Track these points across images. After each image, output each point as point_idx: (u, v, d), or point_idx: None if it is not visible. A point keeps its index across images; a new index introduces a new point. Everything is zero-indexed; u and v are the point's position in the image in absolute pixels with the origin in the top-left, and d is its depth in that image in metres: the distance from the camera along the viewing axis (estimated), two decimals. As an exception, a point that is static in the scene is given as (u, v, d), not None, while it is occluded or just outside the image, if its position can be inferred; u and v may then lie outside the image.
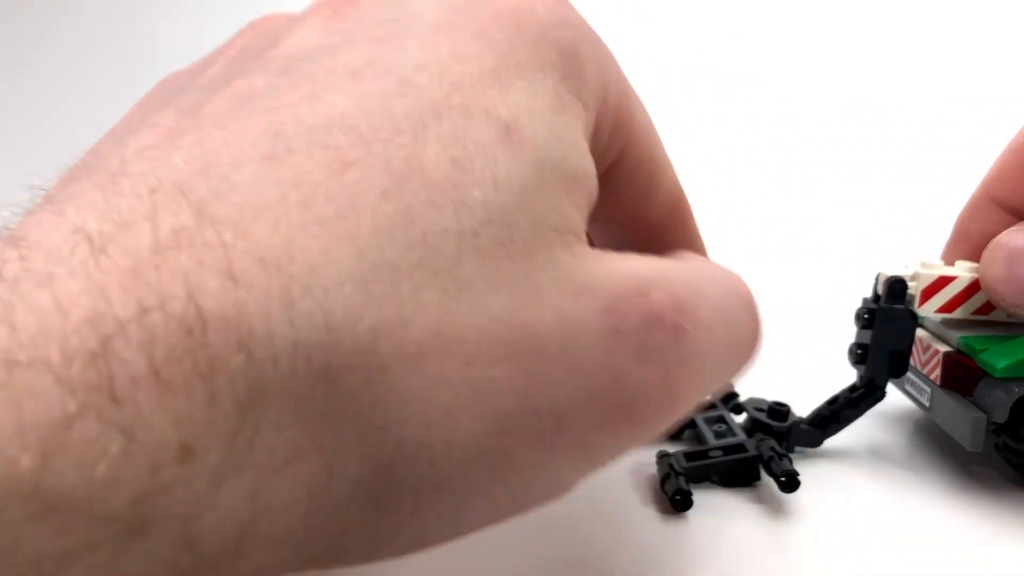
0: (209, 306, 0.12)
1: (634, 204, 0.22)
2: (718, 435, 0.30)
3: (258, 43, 0.18)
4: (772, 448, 0.28)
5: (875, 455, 0.31)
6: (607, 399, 0.15)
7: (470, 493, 0.14)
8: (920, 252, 0.31)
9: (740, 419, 0.32)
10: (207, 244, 0.13)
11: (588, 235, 0.22)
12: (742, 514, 0.27)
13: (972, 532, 0.26)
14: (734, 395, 0.33)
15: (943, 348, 0.29)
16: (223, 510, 0.12)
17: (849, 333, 0.30)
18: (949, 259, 0.32)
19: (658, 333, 0.15)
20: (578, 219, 0.16)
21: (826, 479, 0.29)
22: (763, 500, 0.27)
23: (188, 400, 0.12)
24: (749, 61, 0.69)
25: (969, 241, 0.31)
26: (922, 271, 0.29)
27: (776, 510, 0.27)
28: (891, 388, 0.31)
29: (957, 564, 0.24)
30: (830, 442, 0.30)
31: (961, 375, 0.29)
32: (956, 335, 0.29)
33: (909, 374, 0.31)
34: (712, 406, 0.33)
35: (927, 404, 0.30)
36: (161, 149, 0.14)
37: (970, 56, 0.65)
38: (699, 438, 0.31)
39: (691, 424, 0.32)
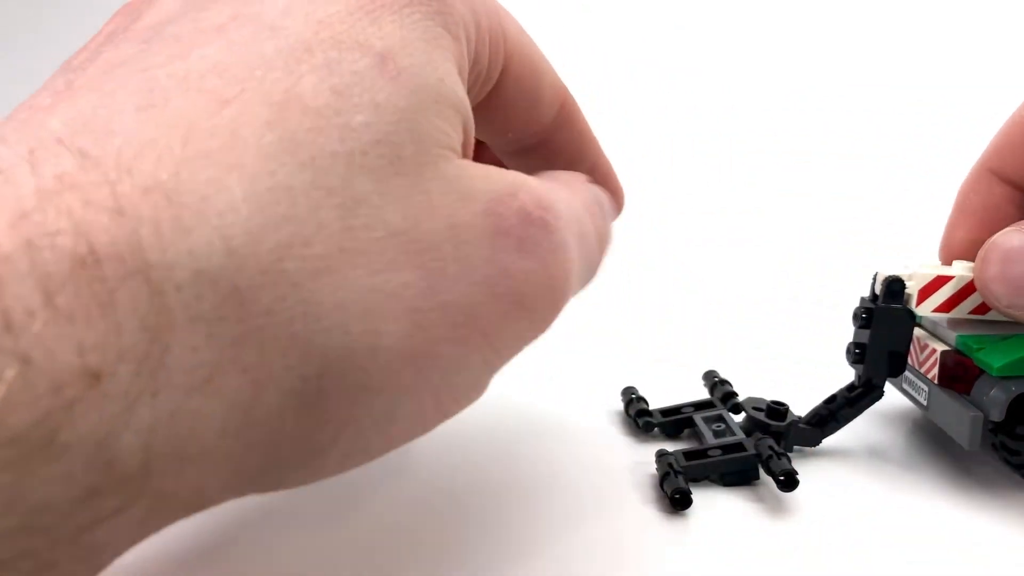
0: (101, 240, 0.12)
1: (525, 111, 0.23)
2: (717, 434, 0.30)
3: (124, 22, 0.19)
4: (771, 447, 0.28)
5: (873, 454, 0.31)
6: (501, 291, 0.17)
7: (399, 393, 0.15)
8: (918, 252, 0.31)
9: (739, 418, 0.32)
10: (91, 183, 0.13)
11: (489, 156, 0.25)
12: (741, 513, 0.27)
13: (970, 530, 0.26)
14: (733, 394, 0.33)
15: (940, 347, 0.29)
16: (141, 430, 0.13)
17: (847, 332, 0.30)
18: (952, 233, 0.32)
19: (531, 227, 0.17)
20: (456, 137, 0.17)
21: (824, 478, 0.29)
22: (762, 499, 0.27)
23: (88, 327, 0.12)
24: (751, 57, 0.69)
25: (971, 214, 0.31)
26: (919, 271, 0.29)
27: (775, 509, 0.27)
28: (889, 387, 0.31)
29: (955, 563, 0.24)
30: (828, 441, 0.31)
31: (958, 374, 0.29)
32: (953, 334, 0.29)
33: (907, 373, 0.31)
34: (711, 405, 0.33)
35: (925, 403, 0.30)
36: (37, 118, 0.15)
37: (969, 52, 0.65)
38: (698, 437, 0.31)
39: (690, 423, 0.32)
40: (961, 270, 0.29)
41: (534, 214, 0.17)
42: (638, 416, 0.32)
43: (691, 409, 0.33)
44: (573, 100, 0.25)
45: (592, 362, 0.39)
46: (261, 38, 0.15)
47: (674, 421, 0.32)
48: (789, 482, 0.27)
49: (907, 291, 0.29)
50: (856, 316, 0.30)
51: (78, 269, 0.12)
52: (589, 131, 0.26)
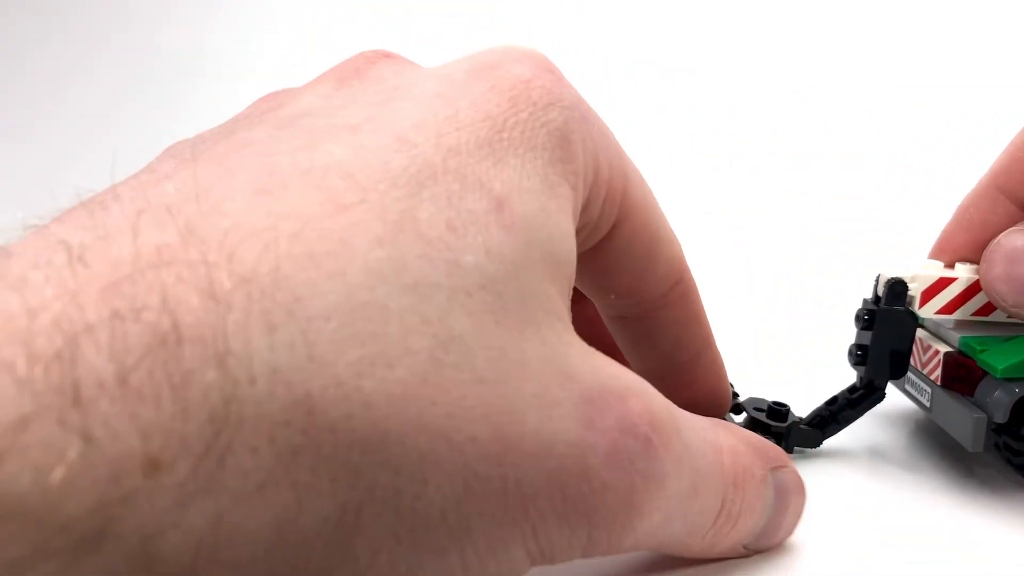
0: (186, 320, 0.12)
1: (632, 276, 0.22)
2: None
3: (263, 107, 0.18)
4: None
5: (875, 455, 0.31)
6: (571, 492, 0.15)
7: (427, 553, 0.14)
8: (920, 253, 0.31)
9: (739, 419, 0.32)
10: (190, 262, 0.12)
11: (587, 309, 0.23)
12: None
13: (972, 532, 0.26)
14: (734, 395, 0.33)
15: (944, 348, 0.29)
16: (186, 530, 0.12)
17: (849, 334, 0.30)
18: (945, 246, 0.31)
19: (631, 440, 0.16)
20: (562, 304, 0.16)
21: (825, 479, 0.29)
22: (763, 501, 0.27)
23: (157, 410, 0.11)
24: (751, 57, 0.69)
25: (969, 230, 0.31)
26: (922, 272, 0.29)
27: (776, 511, 0.27)
28: (891, 388, 0.31)
29: (957, 564, 0.24)
30: (829, 442, 0.31)
31: (962, 375, 0.29)
32: (957, 335, 0.29)
33: (909, 374, 0.31)
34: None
35: (927, 404, 0.30)
36: (153, 181, 0.15)
37: (970, 52, 0.65)
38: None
39: None
40: (964, 272, 0.29)
41: (639, 429, 0.16)
42: None
43: (692, 410, 0.32)
44: (691, 279, 0.24)
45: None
46: (390, 149, 0.15)
47: None
48: None
49: (910, 293, 0.29)
50: (858, 317, 0.30)
51: (157, 347, 0.12)
52: (703, 317, 0.25)
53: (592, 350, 0.17)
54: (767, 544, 0.23)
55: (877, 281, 0.30)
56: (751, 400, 0.32)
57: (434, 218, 0.14)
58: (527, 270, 0.15)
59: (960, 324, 0.30)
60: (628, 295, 0.23)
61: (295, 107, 0.17)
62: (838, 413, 0.30)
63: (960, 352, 0.29)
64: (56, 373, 0.11)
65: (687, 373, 0.25)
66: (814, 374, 0.34)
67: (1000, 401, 0.27)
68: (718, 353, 0.26)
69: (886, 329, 0.29)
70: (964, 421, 0.27)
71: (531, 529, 0.15)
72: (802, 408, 0.31)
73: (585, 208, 0.19)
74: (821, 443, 0.30)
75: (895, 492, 0.28)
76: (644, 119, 0.66)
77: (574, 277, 0.17)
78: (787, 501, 0.22)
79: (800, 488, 0.23)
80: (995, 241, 0.27)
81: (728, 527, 0.20)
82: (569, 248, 0.17)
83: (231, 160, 0.15)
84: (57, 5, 0.72)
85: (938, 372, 0.29)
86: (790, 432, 0.30)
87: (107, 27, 0.71)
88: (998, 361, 0.27)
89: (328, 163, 0.15)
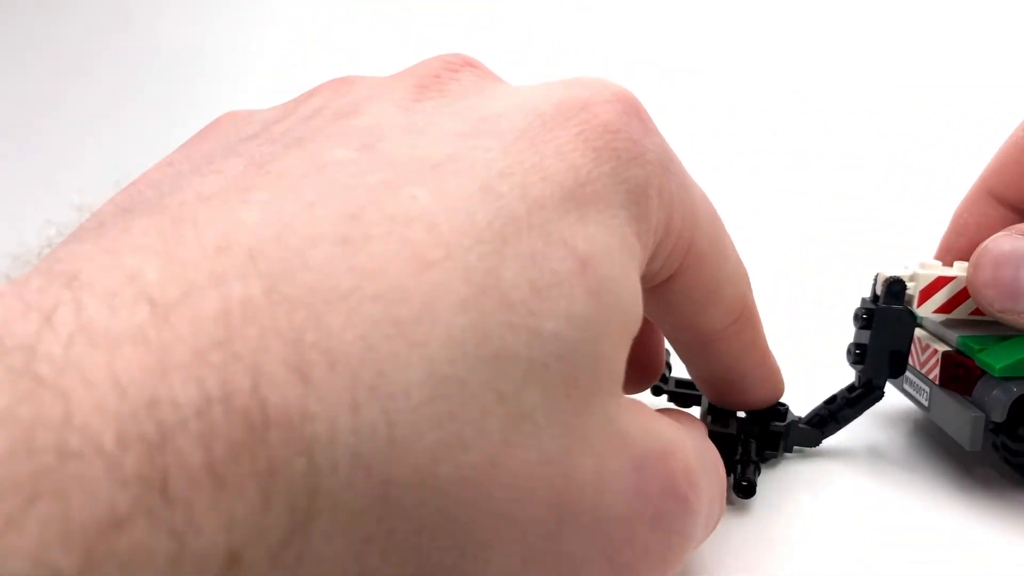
0: (274, 401, 0.11)
1: (687, 316, 0.22)
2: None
3: (335, 106, 0.17)
4: (749, 452, 0.28)
5: (873, 455, 0.31)
6: (618, 559, 0.15)
7: None
8: (919, 252, 0.31)
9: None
10: (276, 328, 0.12)
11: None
12: (741, 511, 0.27)
13: (971, 532, 0.26)
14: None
15: (942, 348, 0.29)
16: None
17: (848, 333, 0.30)
18: (944, 253, 0.32)
19: (672, 503, 0.16)
20: (623, 366, 0.16)
21: (824, 479, 0.29)
22: (761, 497, 0.27)
23: (241, 502, 0.11)
24: (751, 57, 0.69)
25: (965, 235, 0.31)
26: (920, 271, 0.29)
27: (774, 508, 0.27)
28: (890, 388, 0.31)
29: (956, 564, 0.24)
30: (828, 442, 0.31)
31: (960, 374, 0.29)
32: (955, 335, 0.29)
33: (908, 374, 0.31)
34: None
35: (926, 404, 0.30)
36: (228, 201, 0.13)
37: (969, 52, 0.65)
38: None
39: (697, 400, 0.32)
40: (962, 271, 0.29)
41: (680, 489, 0.16)
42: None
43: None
44: (753, 310, 0.24)
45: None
46: (475, 199, 0.14)
47: (686, 395, 0.32)
48: (746, 490, 0.26)
49: (908, 292, 0.29)
50: (857, 317, 0.30)
51: (246, 434, 0.11)
52: (760, 342, 0.25)
53: (635, 403, 0.17)
54: None
55: (875, 280, 0.30)
56: (750, 399, 0.32)
57: (518, 279, 0.14)
58: (604, 338, 0.15)
59: (958, 323, 0.30)
60: (684, 330, 0.23)
61: (371, 116, 0.16)
62: (837, 412, 0.30)
63: (958, 351, 0.29)
64: (147, 463, 0.10)
65: (737, 384, 0.27)
66: (813, 373, 0.34)
67: (998, 400, 0.27)
68: (772, 367, 0.27)
69: (884, 328, 0.29)
70: (962, 420, 0.27)
71: None
72: (801, 407, 0.31)
73: (650, 260, 0.18)
74: (820, 442, 0.30)
75: (894, 491, 0.28)
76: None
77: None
78: None
79: None
80: (982, 246, 0.27)
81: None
82: (639, 311, 0.16)
83: (309, 187, 0.14)
84: (58, 5, 0.72)
85: (936, 371, 0.29)
86: (789, 431, 0.30)
87: (107, 27, 0.71)
88: (996, 360, 0.27)
89: (412, 211, 0.14)
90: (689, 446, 0.17)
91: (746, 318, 0.24)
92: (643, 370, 0.27)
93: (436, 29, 0.70)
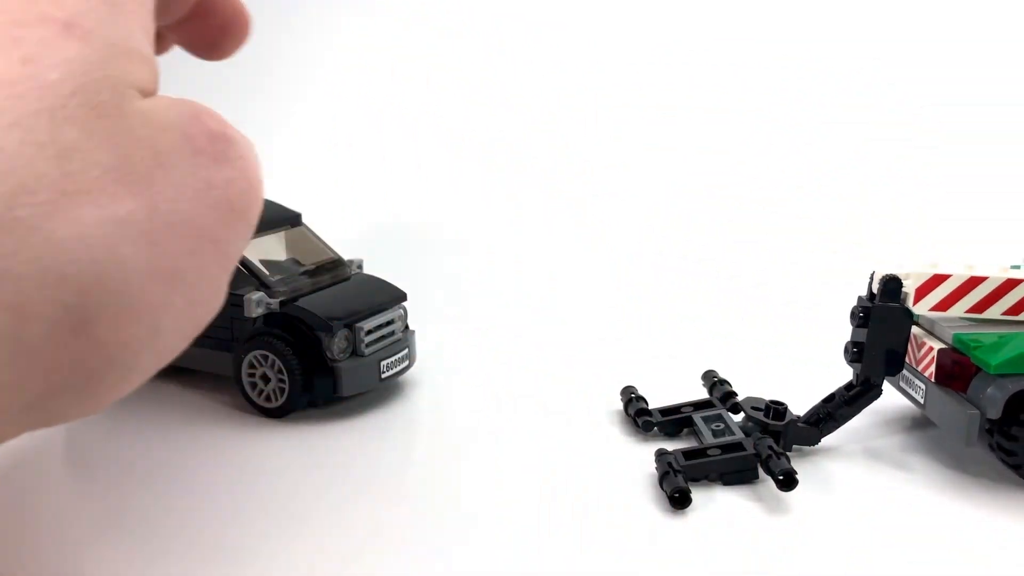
0: None
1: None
2: (716, 434, 0.31)
3: None
4: (770, 447, 0.28)
5: (871, 452, 0.31)
6: (213, 200, 0.19)
7: (156, 310, 0.17)
8: (915, 251, 0.31)
9: (738, 418, 0.32)
10: None
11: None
12: (741, 511, 0.27)
13: (968, 528, 0.26)
14: (732, 394, 0.33)
15: (938, 345, 0.30)
16: None
17: (846, 333, 0.31)
18: None
19: (219, 143, 0.19)
20: (147, 78, 0.19)
21: (823, 477, 0.29)
22: (761, 498, 0.28)
23: None
24: (750, 56, 0.70)
25: None
26: (916, 269, 0.29)
27: (774, 508, 0.27)
28: (888, 386, 0.31)
29: (954, 561, 0.24)
30: (827, 440, 0.31)
31: (955, 372, 0.29)
32: (951, 332, 0.29)
33: (905, 372, 0.31)
34: (710, 405, 0.33)
35: (922, 401, 0.30)
36: None
37: (967, 51, 0.65)
38: (697, 437, 0.31)
39: (689, 423, 0.32)
40: (956, 269, 0.29)
41: (218, 131, 0.19)
42: (637, 415, 0.32)
43: (690, 409, 0.33)
44: None
45: (593, 361, 0.40)
46: None
47: (673, 420, 0.32)
48: (788, 481, 0.27)
49: (904, 290, 0.29)
50: (854, 315, 0.30)
51: None
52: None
53: (165, 97, 0.20)
54: None
55: (872, 278, 0.30)
56: (749, 399, 0.32)
57: (9, 62, 0.16)
58: (109, 64, 0.18)
59: (954, 321, 0.30)
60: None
61: None
62: (835, 410, 0.31)
63: (954, 349, 0.29)
64: None
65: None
66: (812, 372, 0.34)
67: (993, 397, 0.27)
68: None
69: (881, 326, 0.29)
70: (958, 417, 0.28)
71: (212, 244, 0.19)
72: (800, 406, 0.31)
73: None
74: (819, 441, 0.31)
75: (891, 488, 0.28)
76: (641, 118, 0.67)
77: (155, 62, 0.20)
78: None
79: None
80: None
81: None
82: (145, 45, 0.19)
83: None
84: None
85: (932, 369, 0.29)
86: (788, 430, 0.30)
87: None
88: (992, 357, 0.27)
89: None
90: (204, 106, 0.20)
91: None
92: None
93: (436, 31, 0.71)
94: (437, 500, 0.28)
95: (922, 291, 0.29)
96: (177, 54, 0.25)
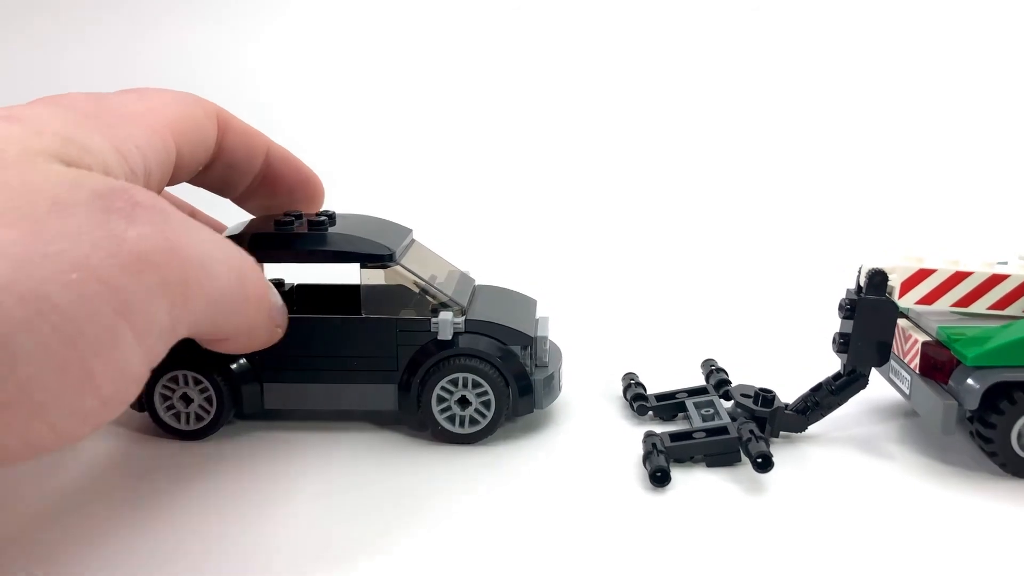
0: None
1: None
2: (705, 418, 0.32)
3: None
4: (751, 431, 0.29)
5: (855, 440, 0.32)
6: (119, 250, 0.20)
7: (15, 329, 0.18)
8: (902, 245, 0.32)
9: (728, 405, 0.33)
10: None
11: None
12: (719, 491, 0.28)
13: (947, 515, 0.27)
14: (726, 382, 0.35)
15: (922, 338, 0.30)
16: None
17: (834, 323, 0.31)
18: None
19: (139, 208, 0.21)
20: (76, 155, 0.21)
21: (807, 462, 0.30)
22: (740, 480, 0.29)
23: None
24: (749, 56, 0.70)
25: None
26: (902, 263, 0.30)
27: (751, 489, 0.28)
28: (876, 376, 0.32)
29: (932, 545, 0.25)
30: (814, 428, 0.32)
31: (939, 364, 0.30)
32: (935, 325, 0.30)
33: (892, 363, 0.32)
34: (704, 391, 0.34)
35: (907, 392, 0.31)
36: None
37: (963, 50, 0.65)
38: (689, 421, 0.32)
39: (683, 408, 0.33)
40: (943, 264, 0.30)
41: (144, 203, 0.21)
42: (634, 400, 0.34)
43: (684, 395, 0.34)
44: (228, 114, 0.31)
45: (598, 349, 0.41)
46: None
47: (668, 405, 0.34)
48: (765, 464, 0.28)
49: (890, 283, 0.30)
50: (841, 307, 0.31)
51: None
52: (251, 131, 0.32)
53: (104, 176, 0.22)
54: None
55: (859, 272, 0.31)
56: (739, 387, 0.33)
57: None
58: (36, 138, 0.21)
59: (939, 314, 0.31)
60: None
61: None
62: (822, 399, 0.32)
63: (938, 342, 0.30)
64: None
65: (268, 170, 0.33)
66: (808, 363, 0.35)
67: (971, 389, 0.28)
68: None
69: (867, 318, 0.30)
70: (936, 407, 0.28)
71: (102, 286, 0.20)
72: (788, 394, 0.32)
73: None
74: (806, 428, 0.32)
75: (870, 473, 0.29)
76: (640, 117, 0.68)
77: (110, 159, 0.23)
78: None
79: None
80: None
81: None
82: (81, 137, 0.22)
83: None
84: (58, 5, 0.74)
85: (916, 360, 0.30)
86: (775, 417, 0.31)
87: (107, 27, 0.73)
88: (969, 350, 0.28)
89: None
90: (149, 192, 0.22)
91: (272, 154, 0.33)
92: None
93: (432, 34, 0.72)
94: (437, 469, 0.29)
95: (907, 285, 0.30)
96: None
